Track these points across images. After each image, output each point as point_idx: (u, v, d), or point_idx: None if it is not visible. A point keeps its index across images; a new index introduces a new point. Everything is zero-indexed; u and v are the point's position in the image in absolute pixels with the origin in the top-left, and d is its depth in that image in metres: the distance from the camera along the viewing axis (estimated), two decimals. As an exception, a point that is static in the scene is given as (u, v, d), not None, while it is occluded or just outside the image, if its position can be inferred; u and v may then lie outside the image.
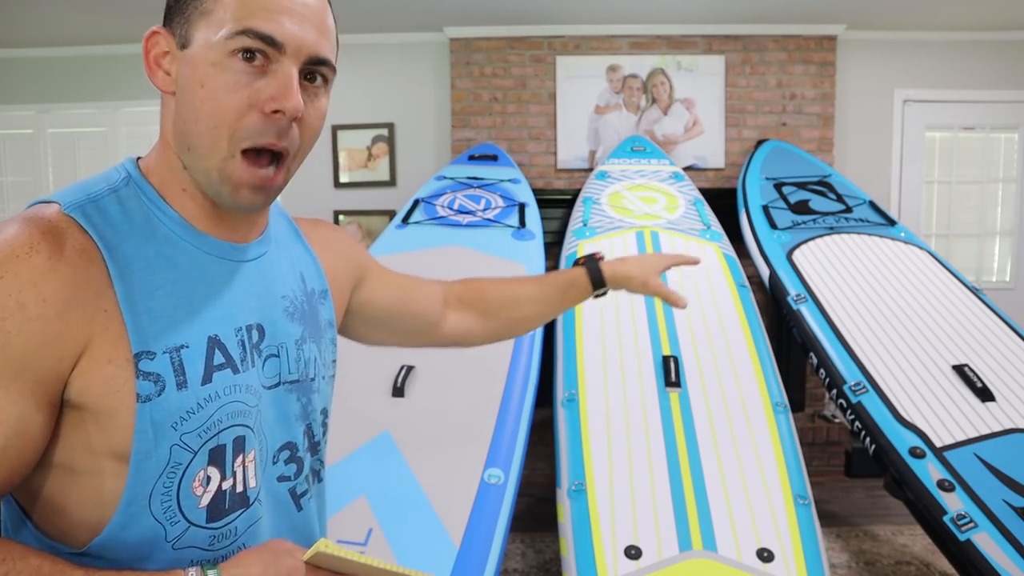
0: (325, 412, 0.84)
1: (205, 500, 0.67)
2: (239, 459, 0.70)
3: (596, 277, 1.13)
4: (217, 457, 0.68)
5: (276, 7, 0.66)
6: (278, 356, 0.76)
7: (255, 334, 0.73)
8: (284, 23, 0.66)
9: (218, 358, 0.68)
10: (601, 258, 1.16)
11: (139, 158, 0.74)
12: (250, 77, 0.66)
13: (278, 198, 0.76)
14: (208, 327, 0.68)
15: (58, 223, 0.63)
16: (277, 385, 0.75)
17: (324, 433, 0.85)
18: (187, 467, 0.66)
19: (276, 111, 0.66)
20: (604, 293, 1.16)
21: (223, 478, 0.69)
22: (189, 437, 0.65)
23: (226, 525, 0.70)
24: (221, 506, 0.69)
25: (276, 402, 0.75)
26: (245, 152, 0.67)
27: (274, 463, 0.76)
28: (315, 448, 0.82)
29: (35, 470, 0.64)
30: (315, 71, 0.70)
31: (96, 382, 0.62)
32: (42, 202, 0.66)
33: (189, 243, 0.70)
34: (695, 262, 1.20)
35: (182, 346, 0.66)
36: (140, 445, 0.63)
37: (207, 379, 0.67)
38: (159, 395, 0.64)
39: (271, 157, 0.69)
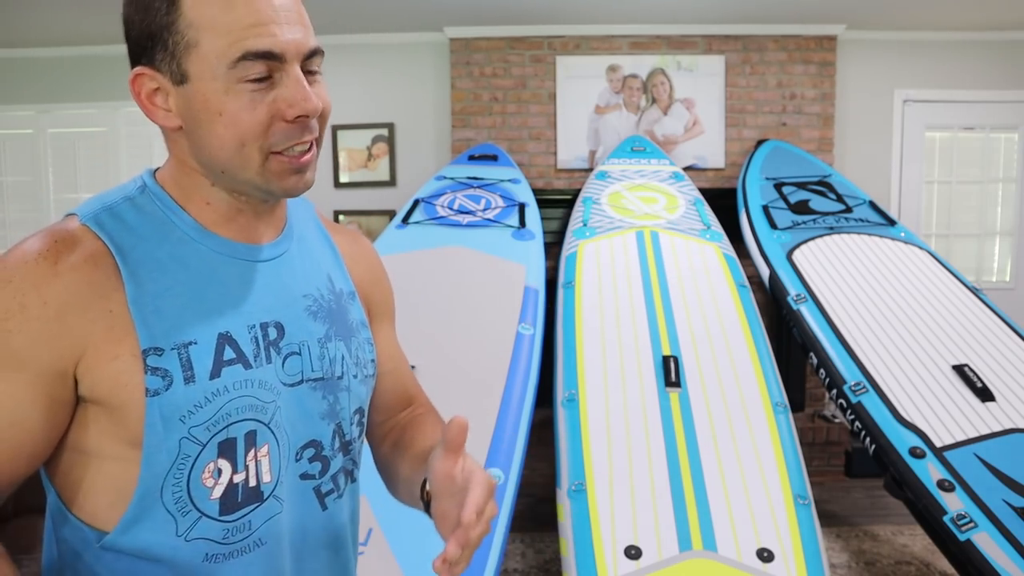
0: (361, 412, 0.84)
1: (217, 492, 0.69)
2: (251, 453, 0.71)
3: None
4: (227, 450, 0.69)
5: (262, 20, 0.67)
6: (299, 354, 0.76)
7: (272, 331, 0.74)
8: (276, 33, 0.67)
9: (228, 354, 0.70)
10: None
11: (156, 170, 0.77)
12: (264, 92, 0.68)
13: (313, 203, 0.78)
14: (219, 324, 0.70)
15: (74, 232, 0.68)
16: (300, 383, 0.76)
17: (360, 433, 0.85)
18: (196, 459, 0.68)
19: (299, 116, 0.69)
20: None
21: (235, 471, 0.70)
22: (197, 430, 0.67)
23: (240, 519, 0.71)
24: (234, 499, 0.70)
25: (298, 399, 0.76)
26: (278, 153, 0.70)
27: (297, 460, 0.76)
28: (347, 448, 0.81)
29: (69, 458, 0.69)
30: (311, 62, 0.71)
31: (104, 377, 0.66)
32: (67, 216, 0.71)
33: (202, 244, 0.73)
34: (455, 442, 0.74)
35: (190, 342, 0.68)
36: (151, 438, 0.66)
37: (215, 374, 0.69)
38: (167, 389, 0.66)
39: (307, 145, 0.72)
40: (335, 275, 0.85)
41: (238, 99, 0.67)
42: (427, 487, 0.74)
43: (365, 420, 0.86)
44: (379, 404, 0.93)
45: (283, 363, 0.75)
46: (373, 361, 0.87)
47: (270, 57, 0.67)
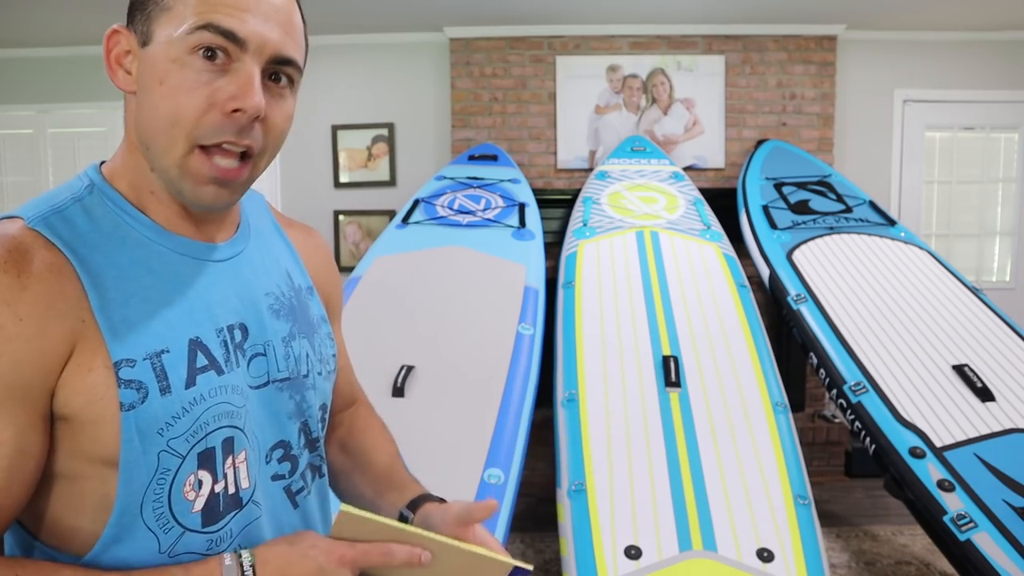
0: (324, 408, 0.83)
1: (198, 504, 0.67)
2: (229, 460, 0.69)
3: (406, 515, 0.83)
4: (206, 460, 0.67)
5: (239, 4, 0.64)
6: (265, 355, 0.74)
7: (238, 334, 0.72)
8: (247, 20, 0.64)
9: (200, 360, 0.67)
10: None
11: (102, 163, 0.72)
12: (211, 75, 0.64)
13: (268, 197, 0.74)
14: (188, 330, 0.67)
15: (23, 239, 0.62)
16: (266, 384, 0.74)
17: (323, 429, 0.83)
18: (176, 472, 0.65)
19: (236, 110, 0.64)
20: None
21: (215, 481, 0.68)
22: (176, 442, 0.65)
23: (222, 528, 0.69)
24: (216, 510, 0.68)
25: (265, 401, 0.74)
26: (204, 148, 0.66)
27: (267, 463, 0.75)
28: (313, 445, 0.80)
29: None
30: (279, 71, 0.68)
31: (79, 391, 0.62)
32: (5, 218, 0.65)
33: (161, 245, 0.69)
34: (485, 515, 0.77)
35: (163, 351, 0.65)
36: (128, 453, 0.62)
37: (191, 382, 0.66)
38: (142, 402, 0.63)
39: (238, 155, 0.68)
40: (293, 271, 0.82)
41: (181, 72, 0.64)
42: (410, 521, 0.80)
43: (328, 416, 0.85)
44: (336, 403, 0.93)
45: (248, 365, 0.73)
46: (334, 356, 0.85)
47: (230, 38, 0.64)
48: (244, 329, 0.73)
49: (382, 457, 0.92)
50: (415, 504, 0.82)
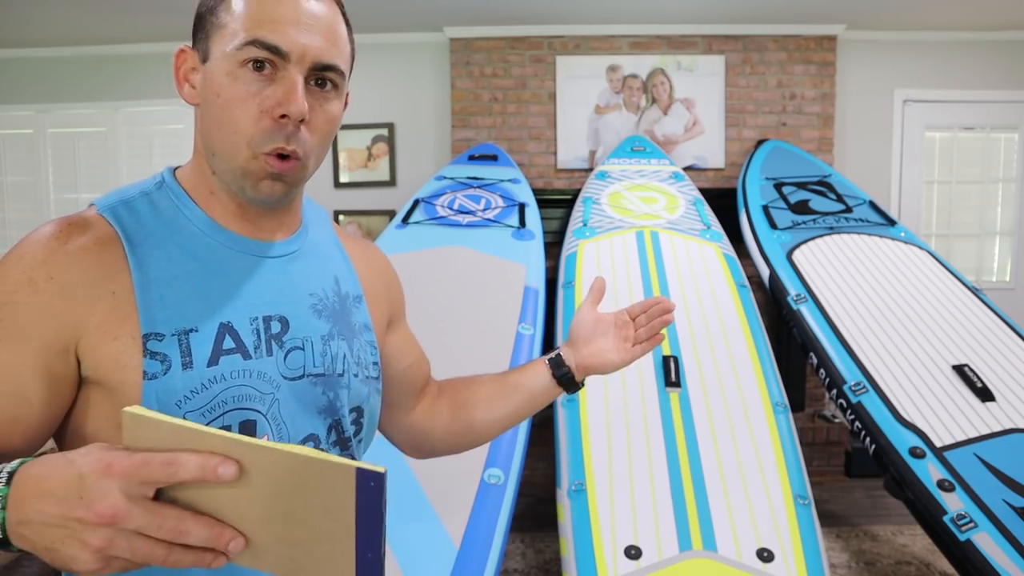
0: (360, 411, 0.85)
1: None
2: None
3: (568, 383, 1.00)
4: None
5: (282, 18, 0.71)
6: (302, 349, 0.78)
7: (276, 325, 0.76)
8: (289, 33, 0.70)
9: (228, 343, 0.72)
10: (560, 359, 1.01)
11: (177, 168, 0.81)
12: (260, 85, 0.71)
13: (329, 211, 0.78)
14: (221, 314, 0.73)
15: (87, 217, 0.72)
16: (301, 377, 0.77)
17: (358, 432, 0.86)
18: None
19: (282, 116, 0.71)
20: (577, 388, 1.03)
21: None
22: (193, 416, 0.68)
23: None
24: None
25: (299, 393, 0.77)
26: (266, 155, 0.73)
27: None
28: (345, 443, 0.83)
29: (73, 445, 0.69)
30: (324, 77, 0.74)
31: (105, 357, 0.67)
32: (90, 205, 0.75)
33: (212, 238, 0.76)
34: (601, 290, 1.03)
35: (191, 330, 0.70)
36: None
37: (213, 361, 0.70)
38: (165, 374, 0.68)
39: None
40: (343, 278, 0.87)
41: (235, 85, 0.71)
42: (565, 362, 0.98)
43: (364, 420, 0.87)
44: (411, 390, 1.01)
45: (285, 357, 0.77)
46: (376, 364, 0.88)
47: (275, 52, 0.70)
48: (285, 322, 0.77)
49: (490, 383, 1.02)
50: (550, 360, 1.00)
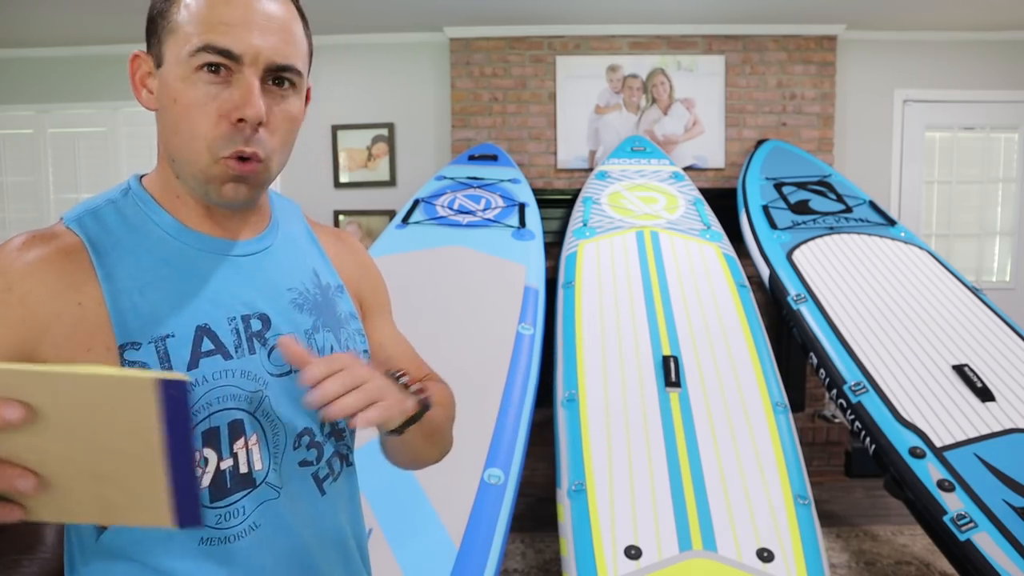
0: None
1: (205, 480, 0.71)
2: (240, 442, 0.72)
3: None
4: (211, 439, 0.71)
5: (233, 20, 0.70)
6: None
7: (256, 323, 0.76)
8: (242, 35, 0.70)
9: (206, 345, 0.72)
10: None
11: (144, 175, 0.80)
12: (216, 89, 0.70)
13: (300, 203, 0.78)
14: (197, 317, 0.72)
15: (53, 230, 0.72)
16: (288, 372, 0.77)
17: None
18: None
19: (240, 120, 0.70)
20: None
21: (220, 459, 0.71)
22: None
23: (231, 505, 0.72)
24: (223, 486, 0.72)
25: (288, 389, 0.77)
26: (226, 158, 0.72)
27: (295, 448, 0.78)
28: (339, 434, 0.83)
29: None
30: (279, 76, 0.73)
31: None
32: (60, 219, 0.75)
33: (182, 242, 0.75)
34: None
35: (168, 335, 0.70)
36: None
37: (193, 364, 0.70)
38: None
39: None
40: (321, 270, 0.87)
41: (192, 89, 0.70)
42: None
43: None
44: None
45: (269, 353, 0.77)
46: (365, 352, 0.88)
47: (228, 55, 0.69)
48: (266, 319, 0.77)
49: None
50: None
